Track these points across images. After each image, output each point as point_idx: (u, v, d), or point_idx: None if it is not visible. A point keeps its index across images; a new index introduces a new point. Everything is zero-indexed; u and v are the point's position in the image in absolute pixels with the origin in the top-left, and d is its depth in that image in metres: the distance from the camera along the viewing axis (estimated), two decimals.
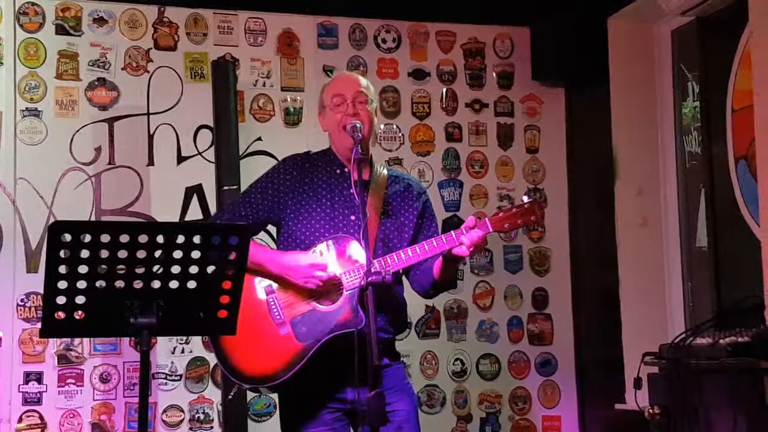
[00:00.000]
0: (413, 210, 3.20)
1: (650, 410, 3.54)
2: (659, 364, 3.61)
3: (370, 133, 3.14)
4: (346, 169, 3.15)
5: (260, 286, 3.07)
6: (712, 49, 4.40)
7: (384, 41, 4.92)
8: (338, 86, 3.19)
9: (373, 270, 2.80)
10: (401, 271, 3.12)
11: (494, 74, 5.04)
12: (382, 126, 4.82)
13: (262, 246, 3.16)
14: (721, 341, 3.30)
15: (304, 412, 3.06)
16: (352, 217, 3.10)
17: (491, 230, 3.00)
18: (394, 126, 4.89)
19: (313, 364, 2.98)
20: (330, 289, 3.02)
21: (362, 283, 2.80)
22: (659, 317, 4.59)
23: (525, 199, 3.09)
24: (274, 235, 3.32)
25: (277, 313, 3.03)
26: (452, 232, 3.00)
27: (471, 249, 2.96)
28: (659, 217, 4.68)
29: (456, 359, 4.82)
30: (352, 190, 3.11)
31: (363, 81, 3.21)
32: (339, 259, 3.03)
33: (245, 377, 3.03)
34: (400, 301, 3.19)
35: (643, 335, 4.41)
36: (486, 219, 3.01)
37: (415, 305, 3.33)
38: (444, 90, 4.97)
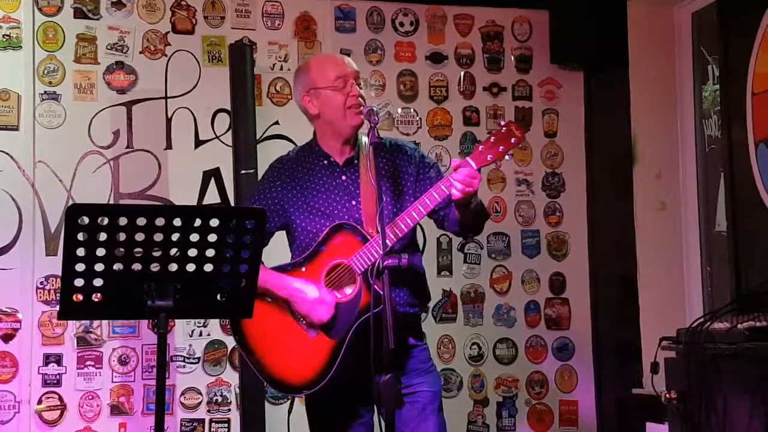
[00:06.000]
0: (409, 176, 3.16)
1: (667, 395, 3.53)
2: (676, 349, 3.60)
3: None
4: (332, 158, 3.17)
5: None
6: (732, 31, 4.35)
7: (401, 24, 4.90)
8: (339, 67, 3.15)
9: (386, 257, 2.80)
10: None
11: (512, 58, 5.01)
12: (399, 110, 4.81)
13: (269, 270, 3.09)
14: (739, 326, 3.29)
15: (331, 417, 3.09)
16: (353, 202, 3.11)
17: (476, 167, 2.92)
18: (412, 110, 4.87)
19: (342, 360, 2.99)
20: (343, 278, 3.03)
21: (379, 266, 2.81)
22: (677, 301, 4.58)
23: (501, 124, 3.00)
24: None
25: (302, 320, 3.05)
26: (440, 183, 2.96)
27: (463, 191, 2.88)
28: (678, 201, 4.66)
29: (473, 343, 4.82)
30: (343, 177, 3.13)
31: (355, 65, 3.21)
32: (343, 246, 3.02)
33: (295, 388, 3.05)
34: (419, 272, 3.17)
35: (660, 320, 4.40)
36: (467, 158, 2.95)
37: (432, 289, 3.31)
38: (462, 74, 4.95)
